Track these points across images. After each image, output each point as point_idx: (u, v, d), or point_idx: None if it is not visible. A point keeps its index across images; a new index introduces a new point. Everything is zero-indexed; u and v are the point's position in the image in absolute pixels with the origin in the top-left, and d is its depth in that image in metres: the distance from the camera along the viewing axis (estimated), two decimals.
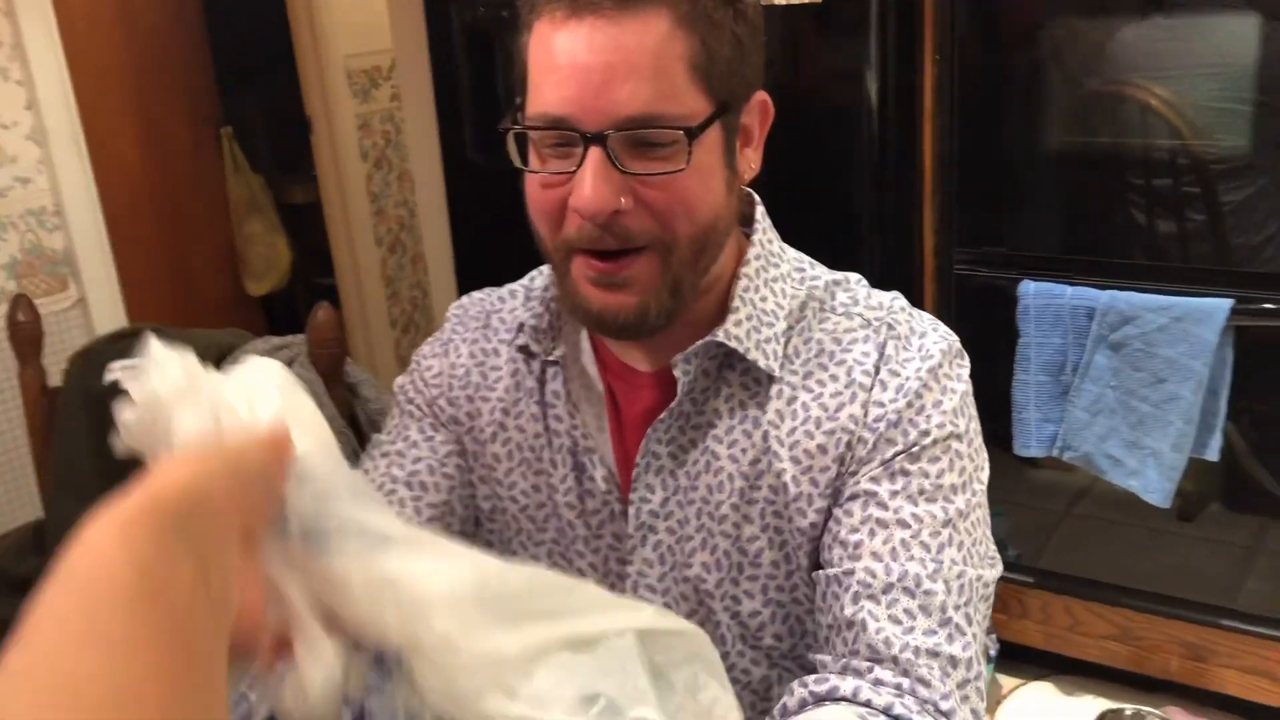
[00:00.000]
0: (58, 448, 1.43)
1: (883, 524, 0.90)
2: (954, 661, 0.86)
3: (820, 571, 0.93)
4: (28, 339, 1.56)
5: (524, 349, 1.04)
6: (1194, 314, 1.81)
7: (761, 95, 0.93)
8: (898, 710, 0.83)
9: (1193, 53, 1.79)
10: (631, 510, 0.99)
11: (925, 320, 0.98)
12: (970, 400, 0.95)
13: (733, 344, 0.94)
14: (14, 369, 1.55)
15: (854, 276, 1.02)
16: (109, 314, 2.24)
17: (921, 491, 0.91)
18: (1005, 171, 2.00)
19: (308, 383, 1.36)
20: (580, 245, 0.88)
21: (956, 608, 0.88)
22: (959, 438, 0.93)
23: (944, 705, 0.85)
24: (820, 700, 0.86)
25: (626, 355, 1.00)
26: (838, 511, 0.93)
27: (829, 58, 2.02)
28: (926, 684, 0.85)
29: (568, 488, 1.02)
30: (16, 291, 1.97)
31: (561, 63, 0.83)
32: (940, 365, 0.94)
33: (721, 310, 0.96)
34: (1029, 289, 1.92)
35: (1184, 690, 2.11)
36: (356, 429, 1.41)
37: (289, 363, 1.36)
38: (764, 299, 0.97)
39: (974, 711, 0.88)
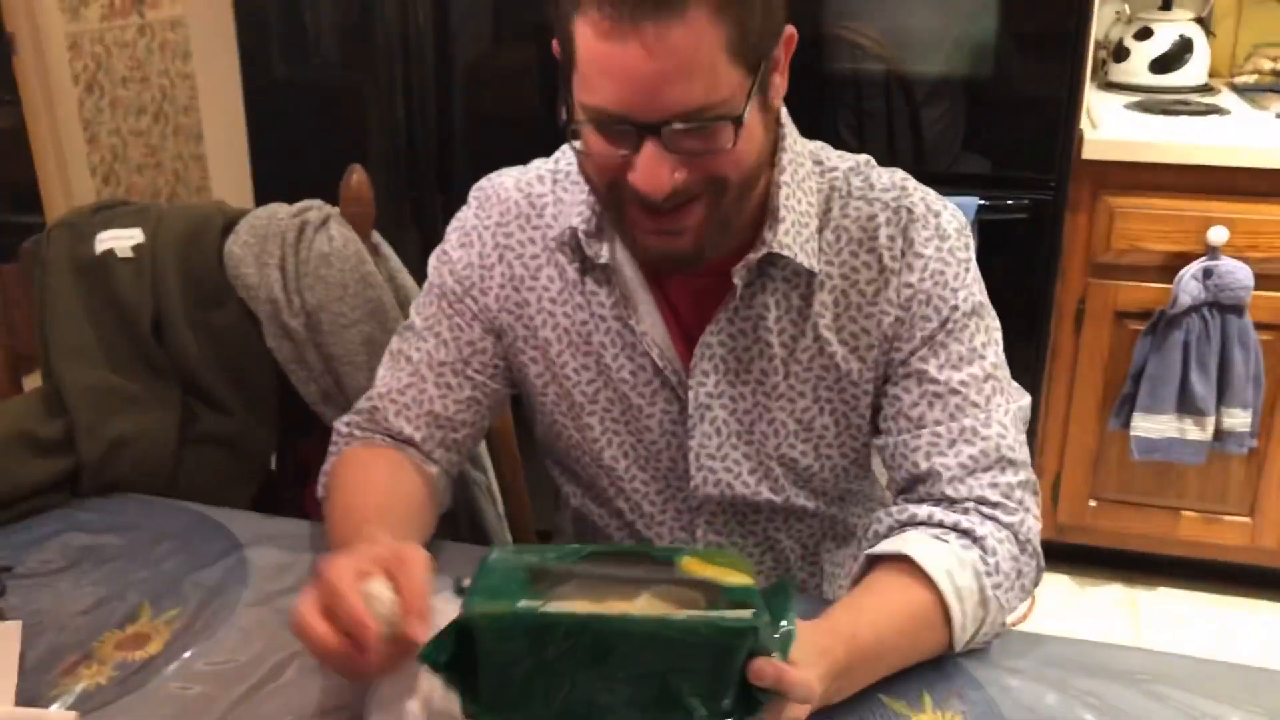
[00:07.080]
0: (52, 316, 1.41)
1: (938, 395, 1.03)
2: (1010, 485, 1.01)
3: (888, 439, 1.06)
4: None
5: (575, 250, 1.09)
6: None
7: (788, 30, 0.95)
8: (965, 524, 0.99)
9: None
10: (691, 394, 1.08)
11: (935, 199, 1.06)
12: (975, 264, 1.06)
13: (785, 252, 1.01)
14: None
15: (863, 158, 1.09)
16: None
17: (962, 358, 1.03)
18: None
19: (348, 241, 1.43)
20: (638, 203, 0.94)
21: (1010, 447, 1.02)
22: (981, 305, 1.05)
23: (1006, 519, 1.00)
24: (903, 526, 1.02)
25: None
26: (894, 390, 1.05)
27: None
28: (991, 504, 1.01)
29: (620, 365, 1.10)
30: None
31: (614, 67, 0.86)
32: (955, 242, 1.04)
33: (760, 210, 1.02)
34: None
35: None
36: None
37: (323, 222, 1.43)
38: (799, 202, 1.03)
39: (1031, 510, 1.03)
